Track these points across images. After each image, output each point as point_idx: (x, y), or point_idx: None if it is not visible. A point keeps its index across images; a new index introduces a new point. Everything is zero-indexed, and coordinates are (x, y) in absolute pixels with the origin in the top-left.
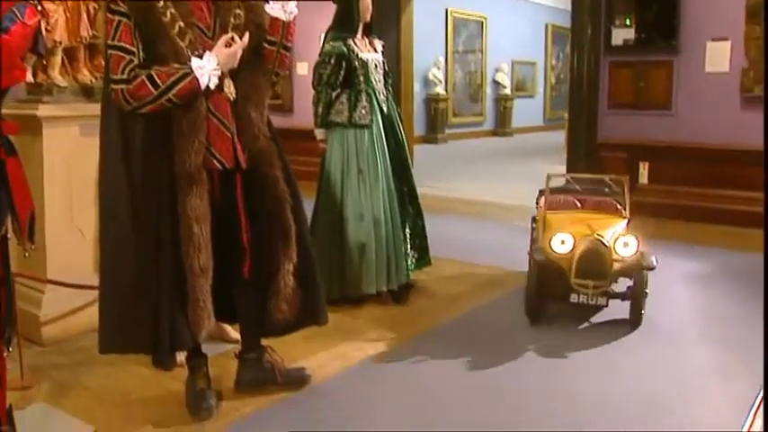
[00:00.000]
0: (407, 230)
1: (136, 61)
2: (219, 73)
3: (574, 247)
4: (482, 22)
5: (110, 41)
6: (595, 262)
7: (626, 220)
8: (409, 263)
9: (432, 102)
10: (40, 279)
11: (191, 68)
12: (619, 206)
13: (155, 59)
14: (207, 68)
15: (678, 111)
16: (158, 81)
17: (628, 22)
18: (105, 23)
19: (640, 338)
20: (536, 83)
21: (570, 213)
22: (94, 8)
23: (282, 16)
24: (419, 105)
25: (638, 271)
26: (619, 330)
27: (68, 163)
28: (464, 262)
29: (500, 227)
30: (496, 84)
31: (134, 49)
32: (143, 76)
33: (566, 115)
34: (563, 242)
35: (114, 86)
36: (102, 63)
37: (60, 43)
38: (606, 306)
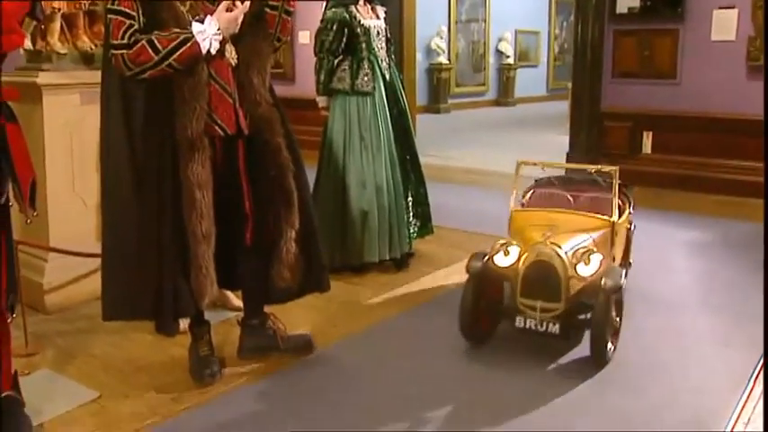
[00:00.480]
0: (410, 198)
1: (136, 26)
2: (221, 38)
3: (519, 257)
4: None
5: (109, 6)
6: (544, 278)
7: (608, 228)
8: (411, 231)
9: (434, 71)
10: (43, 247)
11: (191, 33)
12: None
13: (155, 24)
14: (208, 33)
15: (683, 80)
16: (159, 46)
17: None
18: None
19: (641, 306)
20: (539, 52)
21: (543, 213)
22: None
23: None
24: (421, 75)
25: (602, 293)
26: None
27: (69, 131)
28: (466, 231)
29: (503, 196)
30: (499, 53)
31: (134, 14)
32: (143, 41)
33: (569, 85)
34: (507, 252)
35: (114, 51)
36: (102, 30)
37: (59, 10)
38: (558, 335)
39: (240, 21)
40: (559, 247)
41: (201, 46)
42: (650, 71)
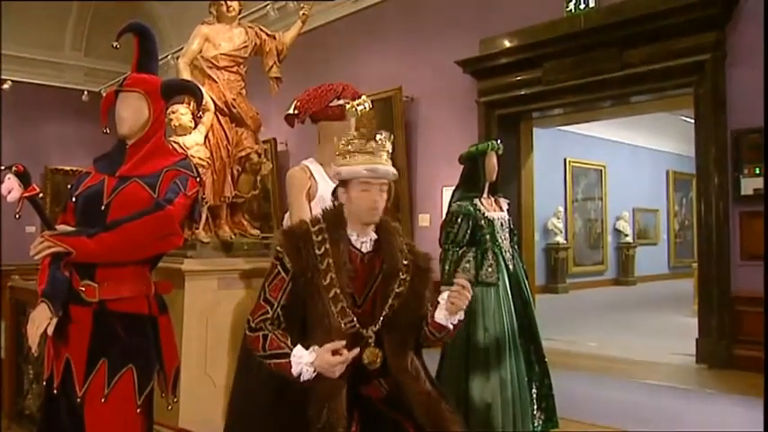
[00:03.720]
0: (534, 390)
1: (269, 315)
2: (313, 371)
3: None
4: (601, 171)
5: (265, 283)
6: None
7: None
8: (535, 425)
9: (552, 251)
10: (174, 428)
11: (289, 351)
12: None
13: (307, 318)
14: (303, 360)
15: None
16: (267, 345)
17: (758, 171)
18: (272, 265)
19: None
20: (659, 230)
21: None
22: (237, 170)
23: (448, 324)
24: (539, 255)
25: None
26: None
27: (206, 314)
28: (592, 423)
29: (628, 385)
30: (618, 232)
31: (275, 303)
32: (261, 334)
33: (693, 265)
34: None
35: (246, 326)
36: (242, 220)
37: (206, 202)
38: None
39: (339, 372)
40: None
41: (293, 369)
42: None
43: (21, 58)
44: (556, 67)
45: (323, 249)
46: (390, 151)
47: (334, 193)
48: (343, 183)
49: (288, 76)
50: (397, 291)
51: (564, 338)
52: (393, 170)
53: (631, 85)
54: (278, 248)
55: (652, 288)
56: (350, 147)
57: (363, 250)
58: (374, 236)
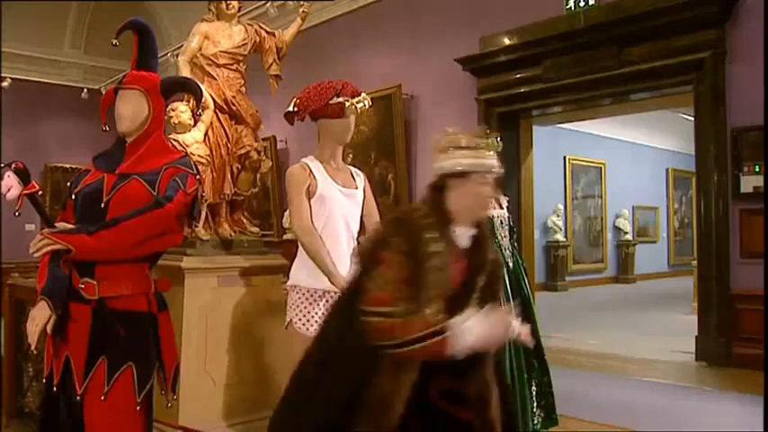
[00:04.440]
0: (533, 388)
1: (402, 294)
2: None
3: None
4: (601, 168)
5: (373, 274)
6: None
7: None
8: (535, 422)
9: (551, 249)
10: (174, 425)
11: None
12: None
13: None
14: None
15: None
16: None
17: (757, 169)
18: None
19: None
20: (659, 228)
21: None
22: (237, 168)
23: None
24: (539, 252)
25: None
26: None
27: (205, 311)
28: (592, 422)
29: (627, 382)
30: (617, 229)
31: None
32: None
33: (693, 262)
34: None
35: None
36: (241, 218)
37: (206, 200)
38: None
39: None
40: None
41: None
42: None
43: (20, 55)
44: (556, 64)
45: (433, 246)
46: None
47: (437, 186)
48: (459, 175)
49: (287, 73)
50: (482, 286)
51: (563, 336)
52: None
53: (631, 83)
54: (393, 238)
55: (652, 286)
56: (471, 142)
57: (462, 245)
58: (473, 231)
